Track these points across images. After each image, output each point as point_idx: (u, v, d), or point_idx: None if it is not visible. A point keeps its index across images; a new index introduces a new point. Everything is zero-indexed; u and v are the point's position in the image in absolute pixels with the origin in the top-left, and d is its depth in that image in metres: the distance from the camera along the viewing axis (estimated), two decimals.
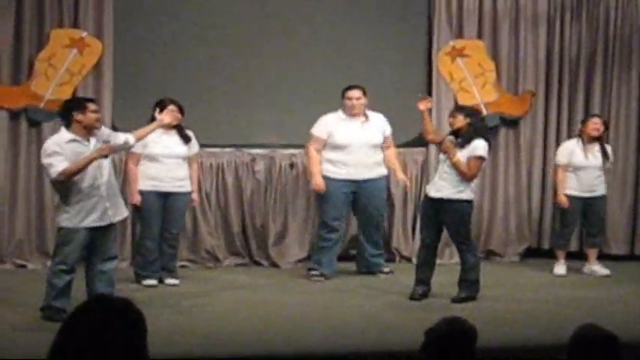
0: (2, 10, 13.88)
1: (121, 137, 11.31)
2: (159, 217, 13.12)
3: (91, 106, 11.00)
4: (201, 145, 13.37)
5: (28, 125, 14.05)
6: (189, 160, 13.14)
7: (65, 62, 14.08)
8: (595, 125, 14.06)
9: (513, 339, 10.37)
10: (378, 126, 13.72)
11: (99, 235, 11.04)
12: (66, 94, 13.87)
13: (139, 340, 4.60)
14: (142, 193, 13.02)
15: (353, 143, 13.52)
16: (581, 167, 14.04)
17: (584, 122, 14.35)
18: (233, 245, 14.65)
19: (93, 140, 10.94)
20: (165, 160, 12.96)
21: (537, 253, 15.42)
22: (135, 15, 14.43)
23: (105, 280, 11.16)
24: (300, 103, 14.25)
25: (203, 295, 12.67)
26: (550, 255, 15.03)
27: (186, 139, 13.07)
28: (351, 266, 14.19)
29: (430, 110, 12.87)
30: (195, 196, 13.35)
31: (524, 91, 15.27)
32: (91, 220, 10.90)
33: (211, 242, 14.50)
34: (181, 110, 12.93)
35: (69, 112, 10.87)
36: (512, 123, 15.27)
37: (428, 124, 12.49)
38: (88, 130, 10.88)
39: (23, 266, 14.08)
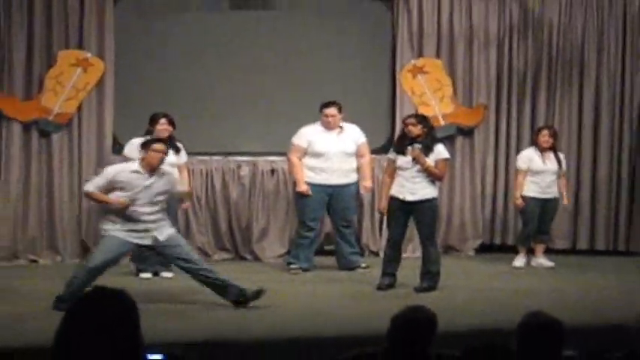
0: (15, 33, 13.92)
1: (177, 188, 11.78)
2: None
3: (156, 146, 11.17)
4: (193, 154, 13.51)
5: (39, 136, 14.12)
6: (178, 167, 13.06)
7: (71, 79, 14.14)
8: (544, 138, 14.21)
9: (469, 324, 10.30)
10: (352, 136, 13.82)
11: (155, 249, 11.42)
12: (72, 107, 14.12)
13: (132, 324, 4.71)
14: None
15: (329, 152, 13.63)
16: (539, 172, 14.17)
17: (536, 133, 14.50)
18: (221, 242, 14.77)
19: (154, 177, 11.17)
20: None
21: (489, 249, 15.51)
22: (133, 38, 14.50)
23: (211, 281, 11.39)
24: (280, 116, 14.34)
25: (194, 286, 12.77)
26: (500, 250, 15.28)
27: (176, 150, 13.06)
28: (328, 260, 14.17)
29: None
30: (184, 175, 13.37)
31: (477, 104, 15.38)
32: (134, 237, 11.19)
33: (201, 239, 14.58)
34: (172, 123, 13.01)
35: (142, 147, 11.19)
36: (467, 132, 15.37)
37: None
38: (151, 167, 11.10)
39: (35, 261, 14.16)
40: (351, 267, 13.93)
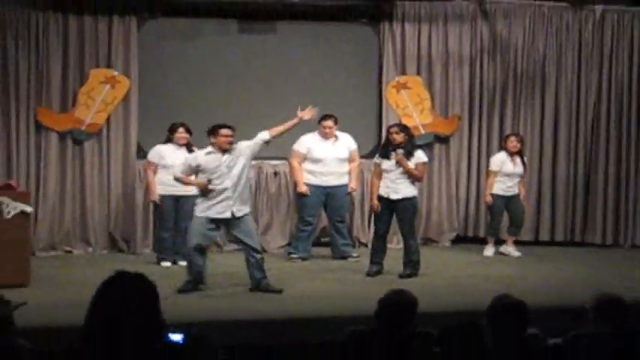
0: (52, 55, 13.96)
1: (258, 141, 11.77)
2: (172, 214, 13.28)
3: (223, 131, 11.45)
4: None
5: (73, 144, 14.17)
6: None
7: (101, 95, 14.17)
8: (512, 143, 14.27)
9: (446, 306, 10.37)
10: (345, 144, 13.91)
11: (229, 225, 11.65)
12: (102, 119, 14.18)
13: (154, 304, 4.74)
14: (161, 196, 13.19)
15: (326, 158, 13.74)
16: (509, 174, 14.22)
17: (505, 139, 14.53)
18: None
19: (227, 155, 11.42)
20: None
21: (463, 240, 15.47)
22: (155, 58, 14.51)
23: (254, 265, 11.64)
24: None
25: (209, 272, 12.77)
26: (473, 241, 15.26)
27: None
28: (324, 251, 14.21)
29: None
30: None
31: (452, 115, 15.35)
32: (214, 212, 11.44)
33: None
34: (189, 131, 13.17)
35: (209, 134, 11.43)
36: (444, 140, 15.36)
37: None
38: (221, 148, 11.36)
39: (70, 252, 14.19)
40: (343, 256, 13.98)
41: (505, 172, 14.24)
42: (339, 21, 15.06)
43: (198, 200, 11.55)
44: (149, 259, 13.49)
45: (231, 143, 11.47)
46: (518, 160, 14.33)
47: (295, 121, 12.18)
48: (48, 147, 14.14)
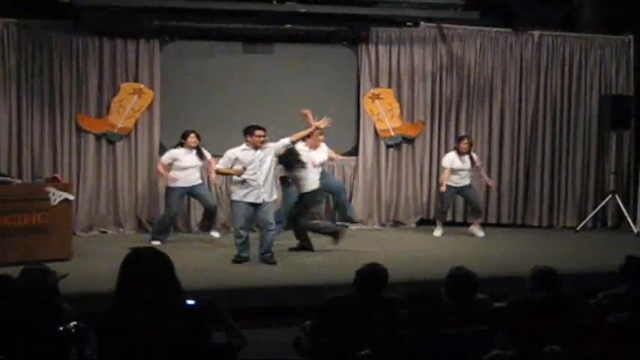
0: (90, 70, 13.95)
1: (280, 144, 11.94)
2: (180, 202, 13.57)
3: (257, 132, 11.67)
4: (217, 156, 13.35)
5: (107, 144, 14.15)
6: (209, 163, 13.31)
7: (130, 104, 14.15)
8: (464, 145, 14.25)
9: (411, 276, 10.48)
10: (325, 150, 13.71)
11: (258, 209, 11.63)
12: (130, 124, 14.17)
13: (170, 270, 4.85)
14: (171, 188, 13.27)
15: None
16: (458, 169, 14.18)
17: (458, 141, 14.48)
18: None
19: (259, 151, 11.58)
20: (189, 168, 13.24)
21: (426, 222, 15.36)
22: (174, 74, 14.41)
23: (266, 238, 11.78)
24: (280, 129, 14.22)
25: (221, 247, 12.81)
26: (433, 223, 15.13)
27: (201, 156, 13.30)
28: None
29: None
30: (212, 176, 13.64)
31: (417, 120, 15.33)
32: (251, 197, 11.63)
33: (223, 217, 14.47)
34: (198, 136, 13.26)
35: (245, 133, 11.65)
36: (410, 141, 15.34)
37: None
38: (255, 146, 11.56)
39: (104, 232, 14.20)
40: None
41: (455, 168, 14.18)
42: (324, 44, 14.99)
43: (234, 188, 11.75)
44: (170, 238, 13.44)
45: (263, 142, 11.64)
46: (466, 157, 14.28)
47: (311, 129, 12.33)
48: (86, 146, 14.11)
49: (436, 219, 14.82)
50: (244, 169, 11.56)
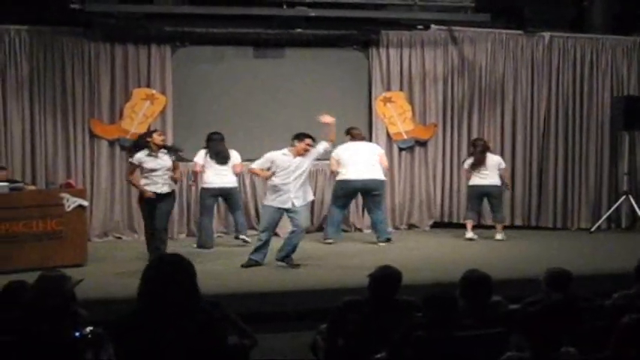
0: (102, 76, 14.02)
1: (321, 148, 12.02)
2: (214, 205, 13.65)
3: (307, 140, 11.70)
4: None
5: (120, 149, 14.16)
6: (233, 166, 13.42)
7: (142, 109, 14.20)
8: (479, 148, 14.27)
9: (425, 279, 10.47)
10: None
11: (287, 213, 11.66)
12: (143, 129, 13.99)
13: (192, 277, 4.89)
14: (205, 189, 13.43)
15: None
16: (480, 171, 14.16)
17: (473, 144, 14.52)
18: (250, 223, 14.55)
19: (299, 158, 11.62)
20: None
21: (440, 225, 15.44)
22: (186, 79, 14.48)
23: (291, 241, 11.76)
24: (291, 133, 14.30)
25: (235, 251, 12.81)
26: (447, 226, 15.25)
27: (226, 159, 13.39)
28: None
29: None
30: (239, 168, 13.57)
31: (429, 123, 15.34)
32: (279, 202, 11.60)
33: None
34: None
35: (294, 139, 11.72)
36: (423, 144, 15.35)
37: None
38: (297, 154, 11.57)
39: (119, 238, 14.23)
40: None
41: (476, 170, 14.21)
42: (336, 47, 15.02)
43: (267, 191, 11.83)
44: (185, 244, 13.49)
45: (307, 151, 11.66)
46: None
47: (328, 123, 12.34)
48: (99, 152, 14.17)
49: (465, 221, 14.71)
50: (273, 173, 11.57)
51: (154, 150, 11.63)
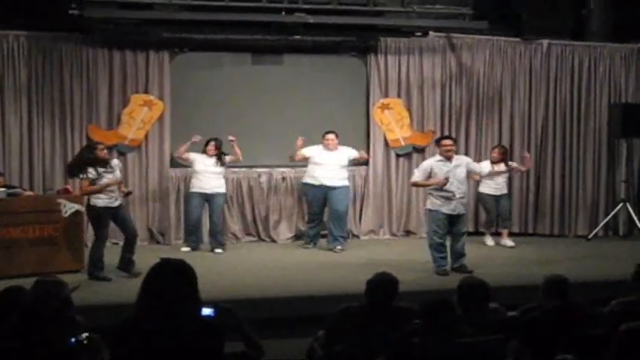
0: (100, 82, 13.98)
1: (476, 167, 12.30)
2: (200, 208, 13.59)
3: (443, 142, 11.85)
4: (227, 166, 13.65)
5: (118, 155, 13.93)
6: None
7: (140, 115, 14.14)
8: (494, 154, 14.46)
9: (423, 285, 10.55)
10: (345, 153, 13.84)
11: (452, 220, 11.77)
12: (141, 135, 14.17)
13: (192, 283, 4.88)
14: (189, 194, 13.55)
15: (327, 162, 13.69)
16: (492, 174, 14.27)
17: (491, 150, 14.65)
18: (247, 229, 14.73)
19: (453, 161, 11.69)
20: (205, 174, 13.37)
21: None
22: (184, 85, 14.44)
23: (460, 245, 11.95)
24: (288, 139, 14.34)
25: (233, 258, 12.84)
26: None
27: (222, 163, 13.44)
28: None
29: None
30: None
31: (427, 130, 15.27)
32: (446, 209, 11.60)
33: (234, 227, 14.57)
34: (217, 146, 13.47)
35: (436, 143, 11.92)
36: (420, 150, 15.25)
37: None
38: (447, 158, 11.64)
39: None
40: (331, 246, 13.85)
41: (490, 176, 14.31)
42: (333, 54, 15.00)
43: (432, 197, 11.80)
44: (180, 248, 13.55)
45: (448, 152, 11.71)
46: (502, 165, 14.39)
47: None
48: None
49: (484, 228, 14.85)
50: (446, 179, 11.58)
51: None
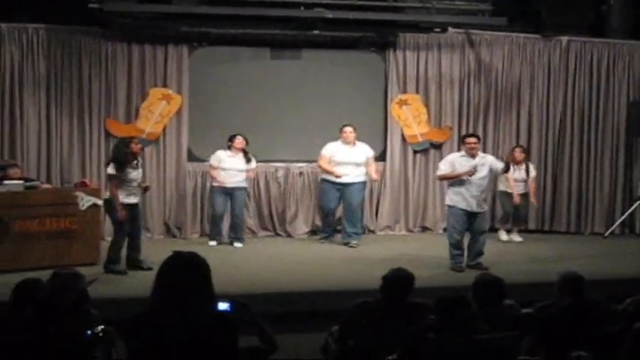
0: (119, 76, 14.04)
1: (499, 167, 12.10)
2: (226, 204, 13.57)
3: (468, 139, 11.94)
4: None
5: None
6: (248, 171, 13.51)
7: (159, 109, 14.18)
8: (516, 154, 14.44)
9: (438, 281, 10.52)
10: (362, 151, 13.81)
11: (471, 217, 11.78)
12: (159, 129, 14.21)
13: (206, 276, 4.88)
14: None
15: (345, 160, 13.67)
16: (514, 178, 14.29)
17: (511, 151, 14.64)
18: (264, 223, 14.75)
19: (477, 158, 11.71)
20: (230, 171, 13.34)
21: None
22: (203, 79, 14.45)
23: (479, 243, 11.93)
24: (306, 134, 14.36)
25: (249, 252, 12.88)
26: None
27: (248, 159, 13.45)
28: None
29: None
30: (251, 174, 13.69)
31: (444, 126, 15.28)
32: (464, 205, 11.69)
33: (250, 222, 14.56)
34: (246, 140, 13.47)
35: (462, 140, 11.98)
36: (438, 146, 15.25)
37: None
38: (470, 154, 11.69)
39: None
40: (346, 241, 13.79)
41: (514, 178, 14.34)
42: (352, 49, 14.99)
43: (451, 193, 11.88)
44: (197, 242, 13.53)
45: (472, 149, 11.76)
46: (523, 167, 14.44)
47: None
48: None
49: (499, 225, 14.86)
50: (475, 168, 11.63)
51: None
